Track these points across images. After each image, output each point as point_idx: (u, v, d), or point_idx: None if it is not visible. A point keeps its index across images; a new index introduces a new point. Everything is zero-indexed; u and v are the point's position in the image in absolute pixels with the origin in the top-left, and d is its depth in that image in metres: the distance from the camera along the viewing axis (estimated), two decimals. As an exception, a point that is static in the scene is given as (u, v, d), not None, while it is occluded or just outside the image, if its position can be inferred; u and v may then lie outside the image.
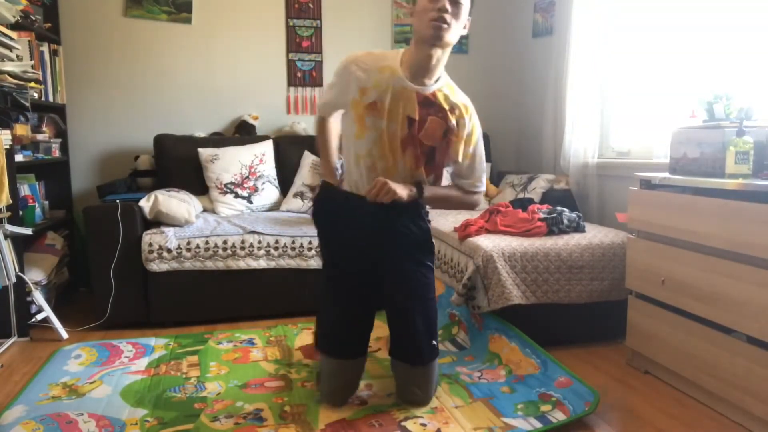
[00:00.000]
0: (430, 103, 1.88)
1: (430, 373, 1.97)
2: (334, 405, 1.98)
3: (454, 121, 1.91)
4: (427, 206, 2.05)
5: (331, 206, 2.03)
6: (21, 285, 2.68)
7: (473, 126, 1.96)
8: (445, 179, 2.12)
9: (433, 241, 2.04)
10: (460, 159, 1.96)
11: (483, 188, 2.06)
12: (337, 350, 2.01)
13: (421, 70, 1.86)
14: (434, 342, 1.97)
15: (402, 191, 1.85)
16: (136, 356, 2.46)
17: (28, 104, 2.77)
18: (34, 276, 2.81)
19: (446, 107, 1.89)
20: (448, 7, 1.76)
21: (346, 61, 1.92)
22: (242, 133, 3.74)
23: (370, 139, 1.88)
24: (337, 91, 1.96)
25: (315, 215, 2.10)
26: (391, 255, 1.96)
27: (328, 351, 2.02)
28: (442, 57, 1.86)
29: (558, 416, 1.88)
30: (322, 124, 2.11)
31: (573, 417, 1.87)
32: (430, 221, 2.05)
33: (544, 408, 1.94)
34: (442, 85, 1.91)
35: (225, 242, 2.90)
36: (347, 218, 1.98)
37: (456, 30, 1.81)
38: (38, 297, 2.73)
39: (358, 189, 1.94)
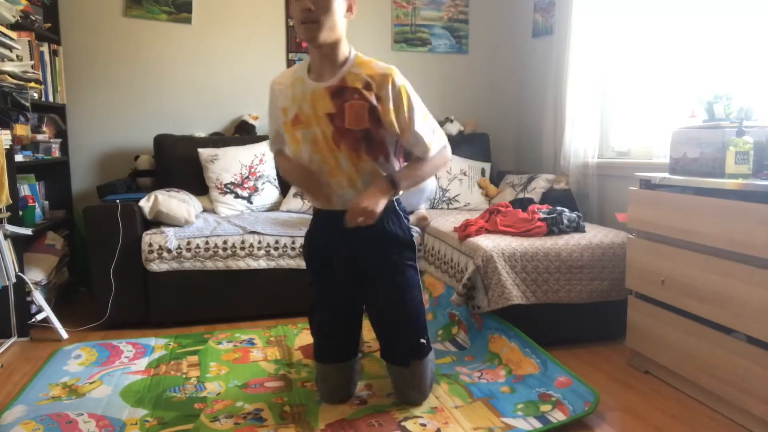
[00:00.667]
0: (342, 91, 1.83)
1: (422, 371, 1.96)
2: (333, 404, 2.00)
3: (372, 97, 1.83)
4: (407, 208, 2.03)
5: (314, 229, 2.05)
6: (21, 285, 2.68)
7: (399, 91, 1.83)
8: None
9: (415, 237, 2.02)
10: (398, 130, 1.86)
11: (439, 145, 1.94)
12: (324, 355, 2.02)
13: (323, 66, 1.85)
14: (422, 340, 1.95)
15: (380, 202, 1.83)
16: (136, 356, 2.46)
17: (28, 104, 2.77)
18: (34, 276, 2.81)
19: (359, 86, 1.83)
20: (311, 5, 1.73)
21: (269, 88, 1.99)
22: (242, 133, 3.75)
23: (306, 150, 1.89)
24: (272, 119, 2.01)
25: (306, 240, 2.08)
26: (372, 256, 1.94)
27: (317, 356, 2.03)
28: (334, 48, 1.83)
29: (558, 416, 1.88)
30: (279, 157, 2.07)
31: (573, 417, 1.86)
32: (408, 217, 2.01)
33: (544, 408, 1.93)
34: (351, 65, 1.85)
35: (225, 242, 2.90)
36: (325, 232, 1.99)
37: (330, 24, 1.76)
38: (38, 297, 2.73)
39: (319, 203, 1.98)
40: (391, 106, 1.83)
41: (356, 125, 1.82)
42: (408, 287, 1.95)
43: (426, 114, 1.91)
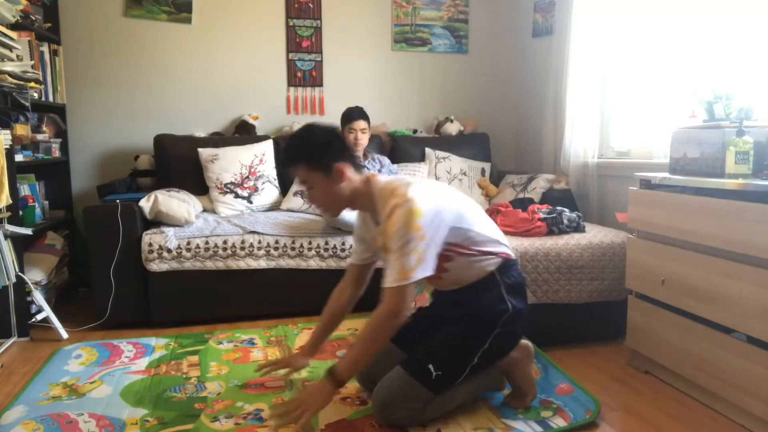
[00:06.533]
0: None
1: (399, 381, 1.82)
2: (358, 379, 2.07)
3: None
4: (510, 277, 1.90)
5: None
6: (21, 285, 2.68)
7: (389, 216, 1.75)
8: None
9: (510, 313, 1.86)
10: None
11: (394, 279, 1.69)
12: None
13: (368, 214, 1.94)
14: (431, 367, 1.80)
15: (315, 403, 1.72)
16: (137, 356, 2.46)
17: (28, 104, 2.77)
18: (34, 276, 2.81)
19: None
20: (304, 189, 1.82)
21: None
22: (242, 133, 3.75)
23: None
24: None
25: None
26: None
27: None
28: (355, 204, 1.89)
29: (558, 422, 1.88)
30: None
31: (573, 425, 1.87)
32: (512, 299, 1.86)
33: (545, 414, 1.93)
34: (379, 204, 1.82)
35: (225, 242, 2.90)
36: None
37: (327, 204, 1.86)
38: (38, 297, 2.73)
39: None
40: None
41: None
42: (466, 333, 1.86)
43: (407, 244, 1.69)
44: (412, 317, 2.07)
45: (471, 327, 1.87)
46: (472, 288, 1.89)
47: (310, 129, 1.89)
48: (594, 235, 2.66)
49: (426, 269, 1.72)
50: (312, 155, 1.81)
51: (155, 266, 2.83)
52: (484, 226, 1.91)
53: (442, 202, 1.81)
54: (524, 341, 2.05)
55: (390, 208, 1.74)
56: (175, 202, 2.95)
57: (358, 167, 1.88)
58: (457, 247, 1.84)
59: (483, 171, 3.83)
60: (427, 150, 3.82)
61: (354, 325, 2.78)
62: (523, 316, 1.92)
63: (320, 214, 1.91)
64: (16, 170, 2.69)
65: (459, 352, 1.86)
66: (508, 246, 1.98)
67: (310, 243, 2.97)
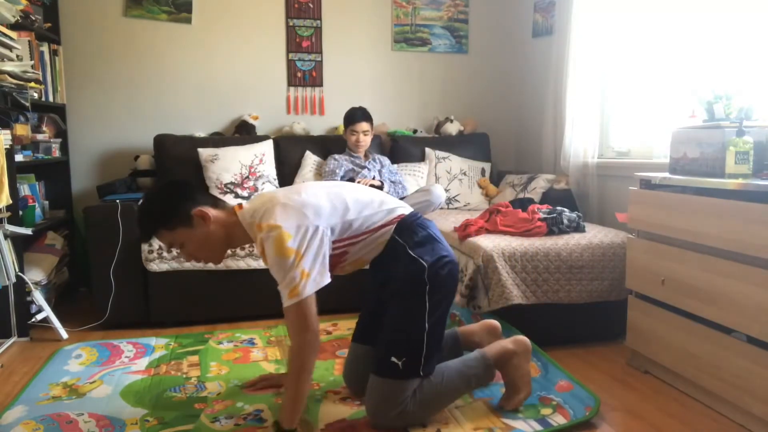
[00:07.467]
0: None
1: (378, 387, 1.83)
2: (346, 384, 2.11)
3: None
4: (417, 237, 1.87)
5: None
6: (21, 285, 2.68)
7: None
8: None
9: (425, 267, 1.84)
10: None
11: (286, 296, 1.69)
12: (354, 334, 2.11)
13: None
14: (393, 359, 1.79)
15: None
16: (137, 356, 2.46)
17: (28, 104, 2.77)
18: (34, 276, 2.81)
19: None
20: (186, 255, 1.84)
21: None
22: (242, 133, 3.75)
23: None
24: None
25: None
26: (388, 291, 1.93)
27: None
28: (233, 239, 1.87)
29: (558, 420, 1.88)
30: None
31: (573, 421, 1.87)
32: (425, 257, 1.84)
33: (545, 411, 1.94)
34: (253, 235, 1.83)
35: (225, 242, 2.90)
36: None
37: (204, 250, 1.84)
38: (38, 297, 2.73)
39: None
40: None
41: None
42: (404, 309, 1.86)
43: (277, 263, 1.70)
44: (365, 315, 2.10)
45: (404, 301, 1.85)
46: (383, 262, 1.88)
47: (147, 196, 1.92)
48: (594, 235, 2.66)
49: (316, 283, 1.71)
50: (163, 217, 1.79)
51: (155, 266, 2.83)
52: (366, 205, 1.87)
53: (311, 207, 1.77)
54: (521, 336, 2.03)
55: (260, 244, 1.74)
56: (175, 202, 2.95)
57: (217, 201, 1.88)
58: (345, 241, 1.83)
59: (483, 171, 3.83)
60: (427, 150, 3.82)
61: (352, 325, 2.78)
62: (445, 260, 1.86)
63: (214, 263, 1.90)
64: (16, 170, 2.69)
65: (409, 330, 1.82)
66: (402, 204, 1.95)
67: (310, 243, 2.96)
